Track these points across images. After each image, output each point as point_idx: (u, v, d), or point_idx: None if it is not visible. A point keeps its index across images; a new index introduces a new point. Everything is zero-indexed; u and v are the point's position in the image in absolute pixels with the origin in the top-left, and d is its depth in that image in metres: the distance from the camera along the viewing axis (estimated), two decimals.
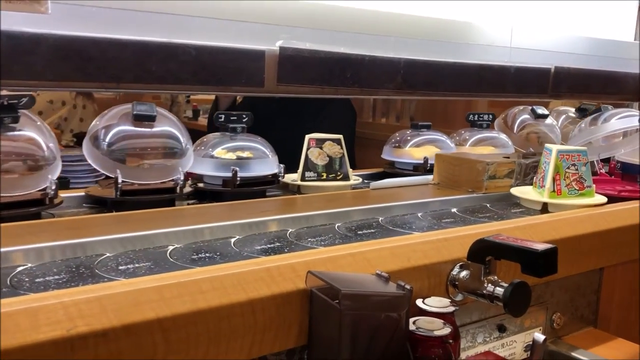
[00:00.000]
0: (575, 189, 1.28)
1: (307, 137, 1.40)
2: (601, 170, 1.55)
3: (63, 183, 1.27)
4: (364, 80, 0.79)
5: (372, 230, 1.11)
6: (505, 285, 0.86)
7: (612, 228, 1.21)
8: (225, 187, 1.27)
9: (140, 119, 1.14)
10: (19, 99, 0.98)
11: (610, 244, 1.21)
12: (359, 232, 1.09)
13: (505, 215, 1.28)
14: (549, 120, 1.82)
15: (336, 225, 1.12)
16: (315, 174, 1.40)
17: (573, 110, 2.16)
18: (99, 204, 1.19)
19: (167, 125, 1.21)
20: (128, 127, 1.16)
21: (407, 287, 0.75)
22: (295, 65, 0.72)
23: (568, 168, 1.28)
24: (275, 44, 0.71)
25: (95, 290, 0.65)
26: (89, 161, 1.15)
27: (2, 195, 0.96)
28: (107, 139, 1.15)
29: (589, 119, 1.52)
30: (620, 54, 1.56)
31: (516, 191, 1.38)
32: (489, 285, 0.89)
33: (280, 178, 1.36)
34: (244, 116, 1.28)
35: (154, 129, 1.17)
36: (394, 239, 0.95)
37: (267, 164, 1.32)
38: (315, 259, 0.83)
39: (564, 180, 1.27)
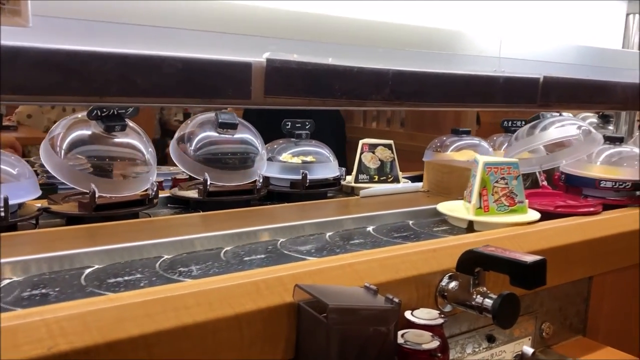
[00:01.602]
0: (505, 205, 1.17)
1: (360, 142, 1.53)
2: (543, 183, 1.46)
3: (51, 189, 1.26)
4: (352, 92, 0.79)
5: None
6: (494, 296, 0.86)
7: (601, 237, 1.21)
8: (294, 188, 1.39)
9: (224, 127, 1.27)
10: (126, 109, 1.07)
11: (599, 253, 1.21)
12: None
13: (423, 234, 1.15)
14: None
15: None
16: (368, 177, 1.52)
17: (596, 116, 2.18)
18: (183, 204, 1.28)
19: (246, 133, 1.33)
20: (213, 134, 1.28)
21: (396, 300, 0.75)
22: (283, 77, 0.72)
23: (497, 182, 1.16)
24: (262, 55, 0.70)
25: (78, 306, 0.64)
26: (178, 164, 1.25)
27: (111, 195, 1.05)
28: (194, 145, 1.25)
29: (527, 127, 1.44)
30: (609, 63, 1.56)
31: (443, 207, 1.24)
32: (478, 296, 0.88)
33: (342, 181, 1.49)
34: (307, 123, 1.44)
35: (236, 136, 1.30)
36: (383, 250, 0.94)
37: (330, 168, 1.46)
38: (303, 272, 0.82)
39: (492, 195, 1.16)
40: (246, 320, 0.73)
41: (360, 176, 1.52)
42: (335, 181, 1.47)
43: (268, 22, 0.76)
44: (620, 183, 1.34)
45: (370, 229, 1.17)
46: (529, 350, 0.88)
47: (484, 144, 1.75)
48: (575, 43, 1.52)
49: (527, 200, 1.21)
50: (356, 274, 0.86)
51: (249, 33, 0.75)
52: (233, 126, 1.28)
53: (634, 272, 1.33)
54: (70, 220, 1.07)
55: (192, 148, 1.25)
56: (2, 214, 0.92)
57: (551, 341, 1.16)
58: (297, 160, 1.43)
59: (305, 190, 1.37)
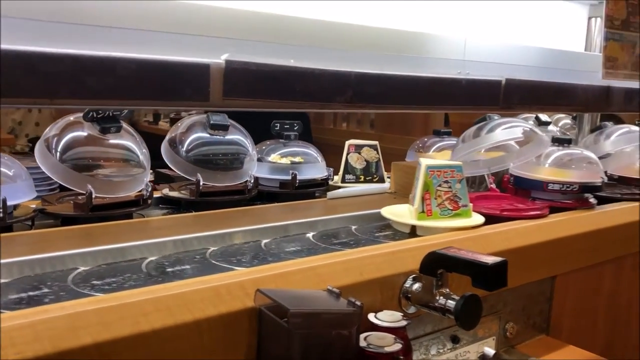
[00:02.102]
0: (449, 209, 1.14)
1: (347, 142, 1.55)
2: (491, 185, 1.42)
3: None
4: (314, 94, 0.78)
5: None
6: (457, 298, 0.86)
7: (563, 237, 1.23)
8: (284, 189, 1.40)
9: (216, 128, 1.29)
10: (120, 110, 1.09)
11: (561, 253, 1.23)
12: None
13: (362, 241, 1.12)
14: (551, 127, 1.84)
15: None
16: (354, 177, 1.56)
17: (570, 117, 2.22)
18: (174, 205, 1.29)
19: (237, 134, 1.35)
20: (205, 135, 1.30)
21: (358, 303, 0.74)
22: (242, 79, 0.71)
23: (440, 186, 1.13)
24: (221, 57, 0.69)
25: (28, 315, 0.62)
26: (170, 165, 1.27)
27: (105, 196, 1.06)
28: (186, 146, 1.27)
29: (473, 129, 1.39)
30: (572, 66, 1.59)
31: (387, 212, 1.21)
32: (441, 298, 0.88)
33: (330, 181, 1.51)
34: (295, 124, 1.46)
35: (227, 137, 1.32)
36: (347, 253, 0.94)
37: (318, 168, 1.47)
38: (265, 276, 0.81)
39: (435, 199, 1.13)
40: (206, 326, 0.72)
41: (347, 176, 1.55)
42: (323, 181, 1.49)
43: (228, 23, 0.75)
44: (568, 185, 1.33)
45: (310, 235, 1.14)
46: (490, 351, 0.88)
47: None
48: (539, 46, 1.54)
49: (471, 204, 1.19)
50: (319, 277, 0.85)
51: (207, 34, 0.73)
52: (224, 127, 1.30)
53: (595, 271, 1.35)
54: (66, 221, 1.07)
55: (184, 149, 1.27)
56: (0, 214, 0.93)
57: (515, 341, 1.17)
58: (285, 161, 1.45)
59: (295, 191, 1.39)
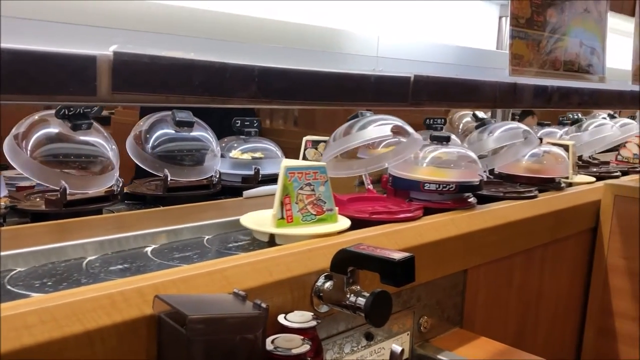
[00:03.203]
0: (312, 214, 1.05)
1: (304, 138, 1.53)
2: (369, 186, 1.32)
3: None
4: (214, 89, 0.75)
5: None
6: (367, 295, 0.86)
7: (474, 230, 1.25)
8: (246, 183, 1.40)
9: (181, 125, 1.30)
10: (91, 108, 1.09)
11: (472, 246, 1.25)
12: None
13: (209, 254, 1.00)
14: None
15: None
16: None
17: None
18: (140, 200, 1.26)
19: (201, 130, 1.35)
20: (171, 131, 1.30)
21: (263, 306, 0.72)
22: (133, 72, 0.66)
23: (301, 189, 1.04)
24: (109, 48, 0.64)
25: None
26: (135, 160, 1.25)
27: (77, 192, 1.05)
28: (152, 142, 1.27)
29: (344, 126, 1.29)
30: (484, 63, 1.63)
31: (247, 219, 1.09)
32: (352, 295, 0.88)
33: None
34: (255, 121, 1.48)
35: (192, 134, 1.33)
36: (256, 253, 0.91)
37: (278, 163, 1.38)
38: (166, 281, 0.77)
39: (297, 204, 1.03)
40: (99, 336, 0.67)
41: None
42: None
43: (119, 12, 0.71)
44: (444, 185, 1.24)
45: (148, 249, 1.01)
46: (397, 348, 0.88)
47: None
48: (454, 44, 1.57)
49: (337, 208, 1.10)
50: (226, 280, 0.82)
51: (96, 24, 0.68)
52: (190, 124, 1.31)
53: (506, 263, 1.39)
54: (37, 217, 1.04)
55: (150, 145, 1.27)
56: None
57: (430, 334, 1.18)
58: (247, 156, 1.46)
59: (257, 185, 1.39)
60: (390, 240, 1.08)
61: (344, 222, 1.11)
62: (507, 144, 1.60)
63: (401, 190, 1.31)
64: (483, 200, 1.40)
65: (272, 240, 1.05)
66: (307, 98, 0.87)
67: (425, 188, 1.26)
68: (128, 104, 0.66)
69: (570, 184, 1.74)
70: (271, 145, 1.53)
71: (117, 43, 0.66)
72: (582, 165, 2.11)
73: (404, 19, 1.47)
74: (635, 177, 2.05)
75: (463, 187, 1.29)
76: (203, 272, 0.82)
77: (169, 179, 1.24)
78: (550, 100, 1.40)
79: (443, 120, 1.74)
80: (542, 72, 1.43)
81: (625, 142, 2.32)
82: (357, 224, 1.12)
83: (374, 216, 1.16)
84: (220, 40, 0.86)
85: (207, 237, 1.10)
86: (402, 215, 1.19)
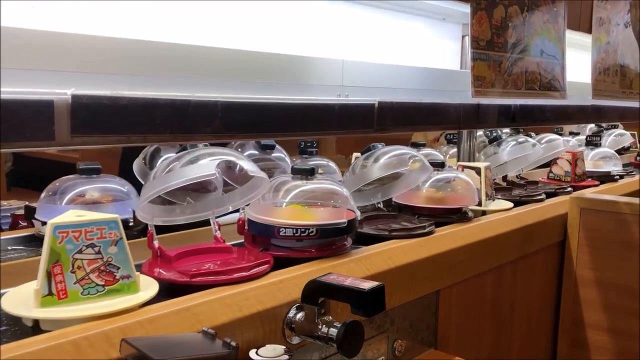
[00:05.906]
0: (99, 285, 0.78)
1: (354, 154, 1.43)
2: (216, 233, 1.04)
3: None
4: (177, 126, 0.74)
5: None
6: (339, 325, 0.85)
7: (444, 251, 1.26)
8: None
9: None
10: None
11: (443, 267, 1.26)
12: None
13: None
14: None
15: None
16: None
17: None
18: None
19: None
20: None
21: (233, 344, 0.71)
22: (93, 114, 0.65)
23: (79, 253, 0.76)
24: (67, 92, 0.64)
25: None
26: None
27: None
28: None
29: (360, 159, 1.20)
30: (448, 83, 1.65)
31: (8, 298, 0.78)
32: (324, 326, 0.87)
33: None
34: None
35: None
36: (224, 289, 0.90)
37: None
38: (133, 323, 0.75)
39: (73, 273, 0.76)
40: None
41: None
42: None
43: (74, 52, 0.70)
44: (303, 229, 1.02)
45: None
46: None
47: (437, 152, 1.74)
48: (419, 65, 1.58)
49: (138, 273, 0.84)
50: (195, 317, 0.81)
51: (52, 68, 0.68)
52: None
53: (477, 281, 1.40)
54: None
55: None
56: None
57: (404, 357, 1.18)
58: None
59: None
60: (359, 266, 1.08)
61: (150, 291, 0.83)
62: (390, 172, 1.32)
63: (259, 236, 1.08)
64: (368, 239, 1.21)
65: (37, 325, 0.75)
66: (271, 130, 0.87)
67: (281, 234, 1.03)
68: (87, 147, 0.65)
69: (484, 212, 1.53)
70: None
71: (74, 86, 0.65)
72: (506, 187, 1.89)
73: (367, 43, 1.48)
74: (600, 187, 2.10)
75: (326, 231, 1.04)
76: (171, 311, 0.80)
77: None
78: (514, 119, 1.42)
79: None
80: (505, 92, 1.46)
81: (557, 159, 2.14)
82: (178, 289, 0.88)
83: (194, 280, 0.89)
84: (182, 75, 0.85)
85: None
86: (236, 275, 0.92)
